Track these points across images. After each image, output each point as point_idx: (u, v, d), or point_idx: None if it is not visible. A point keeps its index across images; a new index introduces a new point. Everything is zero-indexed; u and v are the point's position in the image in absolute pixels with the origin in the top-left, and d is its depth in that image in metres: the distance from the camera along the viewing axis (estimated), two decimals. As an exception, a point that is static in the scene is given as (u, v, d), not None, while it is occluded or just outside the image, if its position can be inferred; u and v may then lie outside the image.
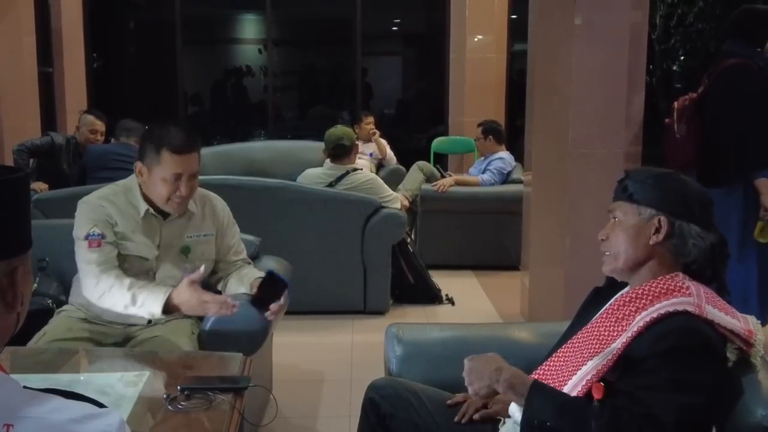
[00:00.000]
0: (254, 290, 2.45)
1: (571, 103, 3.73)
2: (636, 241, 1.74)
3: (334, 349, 3.89)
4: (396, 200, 4.53)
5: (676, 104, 3.78)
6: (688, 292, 1.64)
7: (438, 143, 7.61)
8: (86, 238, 2.44)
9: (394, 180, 5.95)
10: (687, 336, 1.56)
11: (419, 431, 1.95)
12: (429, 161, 7.42)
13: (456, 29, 7.81)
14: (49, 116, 7.36)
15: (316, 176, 4.53)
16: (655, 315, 1.61)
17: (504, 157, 5.70)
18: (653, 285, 1.69)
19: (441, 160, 7.72)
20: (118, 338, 2.50)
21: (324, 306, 4.38)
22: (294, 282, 4.18)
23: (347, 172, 4.49)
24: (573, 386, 1.65)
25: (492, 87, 7.64)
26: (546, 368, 1.78)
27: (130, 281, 2.41)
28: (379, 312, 4.44)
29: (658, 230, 1.72)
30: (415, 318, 4.42)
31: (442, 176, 5.68)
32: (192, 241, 2.57)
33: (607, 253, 1.79)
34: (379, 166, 6.87)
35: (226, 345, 2.37)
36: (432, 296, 4.68)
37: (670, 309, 1.60)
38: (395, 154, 6.95)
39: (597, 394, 1.55)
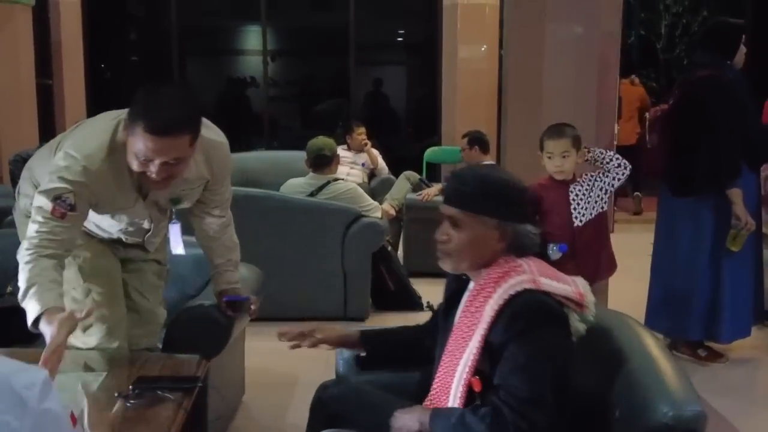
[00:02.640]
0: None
1: (542, 116, 3.81)
2: (482, 247, 1.86)
3: (311, 354, 3.94)
4: (376, 209, 4.63)
5: (647, 115, 3.86)
6: (521, 270, 1.81)
7: (430, 153, 7.71)
8: (55, 200, 2.09)
9: (385, 189, 6.04)
10: (533, 312, 1.73)
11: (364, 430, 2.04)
12: (422, 171, 7.55)
13: (448, 40, 7.92)
14: (48, 127, 7.50)
15: (298, 186, 4.63)
16: (501, 302, 1.77)
17: (488, 166, 5.78)
18: (491, 272, 1.85)
19: (434, 170, 7.82)
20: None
21: (304, 312, 4.44)
22: (275, 289, 4.31)
23: (328, 182, 4.59)
24: (456, 389, 1.78)
25: (484, 97, 7.73)
26: (438, 378, 1.89)
27: (36, 275, 2.04)
28: (359, 318, 4.52)
29: (501, 238, 1.85)
30: (394, 324, 4.48)
31: (427, 186, 5.77)
32: (185, 193, 2.36)
33: (447, 253, 1.88)
34: (371, 175, 6.95)
35: (188, 348, 2.47)
36: (412, 303, 4.76)
37: (512, 292, 1.77)
38: (389, 164, 7.04)
39: (476, 388, 1.72)
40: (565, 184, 3.23)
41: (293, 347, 2.18)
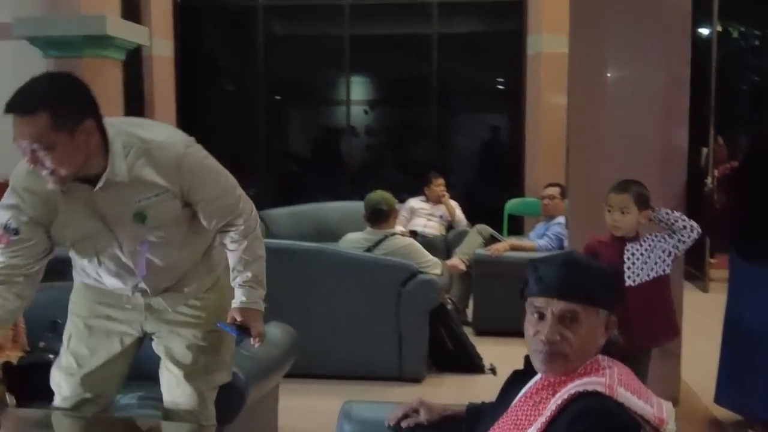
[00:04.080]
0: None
1: (603, 169, 3.57)
2: (593, 343, 1.63)
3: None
4: (435, 266, 4.46)
5: (716, 172, 3.56)
6: (601, 373, 1.58)
7: (512, 205, 7.48)
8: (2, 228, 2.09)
9: (461, 242, 5.88)
10: (598, 418, 1.50)
11: None
12: (502, 223, 7.33)
13: (532, 89, 7.74)
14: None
15: (354, 241, 4.54)
16: (566, 396, 1.55)
17: (563, 222, 5.51)
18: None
19: (515, 222, 7.58)
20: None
21: (356, 371, 4.32)
22: (327, 345, 4.22)
23: (385, 237, 4.48)
24: None
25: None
26: None
27: None
28: (415, 379, 4.33)
29: (605, 333, 1.64)
30: (451, 387, 4.30)
31: (498, 241, 5.56)
32: (144, 205, 2.12)
33: (563, 355, 1.61)
34: (449, 228, 6.82)
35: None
36: (473, 365, 4.53)
37: (581, 389, 1.55)
38: (468, 215, 6.88)
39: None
40: (623, 241, 3.06)
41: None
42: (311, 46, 9.26)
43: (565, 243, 5.26)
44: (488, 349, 4.68)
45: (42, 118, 1.91)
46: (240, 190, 2.28)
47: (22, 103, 1.92)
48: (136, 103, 7.99)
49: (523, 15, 7.99)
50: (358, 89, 9.67)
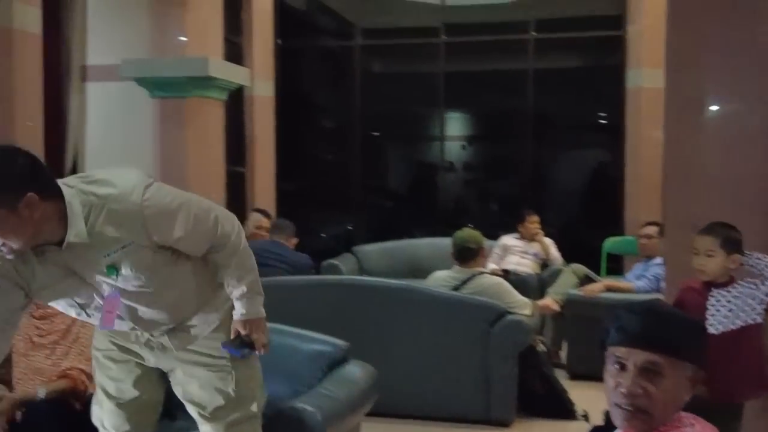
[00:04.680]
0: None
1: (697, 208, 3.40)
2: (678, 399, 1.53)
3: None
4: (524, 306, 4.35)
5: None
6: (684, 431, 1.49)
7: (611, 243, 7.25)
8: None
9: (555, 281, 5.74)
10: None
11: None
12: (600, 262, 7.10)
13: (632, 123, 7.53)
14: (239, 212, 7.93)
15: (442, 279, 4.49)
16: None
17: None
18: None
19: (614, 261, 7.33)
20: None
21: (442, 413, 4.25)
22: (410, 384, 4.17)
23: (473, 276, 4.41)
24: None
25: (671, 185, 7.18)
26: None
27: None
28: (503, 424, 4.23)
29: (691, 389, 1.54)
30: (540, 433, 4.16)
31: (593, 281, 5.38)
32: (113, 259, 2.10)
33: (644, 410, 1.51)
34: (543, 266, 6.67)
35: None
36: (564, 411, 4.37)
37: None
38: (564, 254, 6.72)
39: None
40: (711, 286, 2.91)
41: None
42: (407, 83, 9.34)
43: (662, 285, 5.05)
44: (581, 394, 4.51)
45: None
46: (216, 211, 2.24)
47: None
48: (237, 142, 8.24)
49: (623, 49, 7.81)
50: (455, 125, 9.67)
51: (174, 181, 6.75)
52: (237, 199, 8.05)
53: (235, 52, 8.16)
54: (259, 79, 8.25)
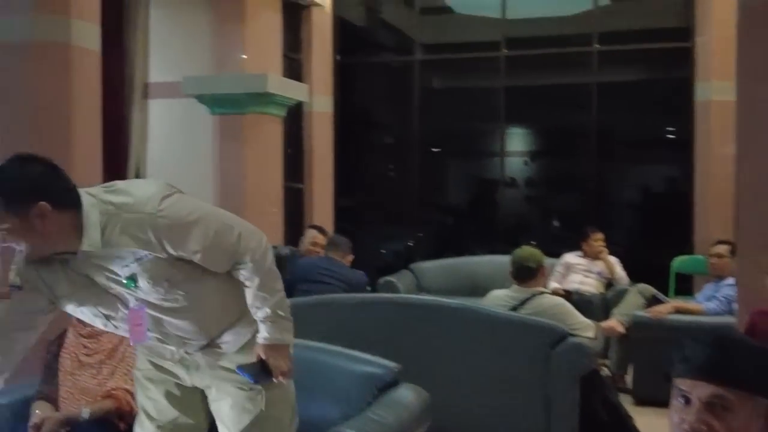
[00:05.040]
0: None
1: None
2: None
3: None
4: (587, 329, 4.16)
5: None
6: None
7: (680, 262, 6.96)
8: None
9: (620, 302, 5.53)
10: None
11: None
12: (668, 282, 6.83)
13: (701, 138, 7.25)
14: (296, 228, 7.91)
15: (499, 298, 4.33)
16: None
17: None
18: None
19: (684, 282, 7.05)
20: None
21: (499, 438, 4.08)
22: (464, 408, 4.02)
23: (532, 296, 4.23)
24: None
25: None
26: None
27: None
28: (564, 451, 4.02)
29: (765, 427, 1.40)
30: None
31: (661, 302, 5.15)
32: (131, 270, 2.09)
33: None
34: (608, 285, 6.46)
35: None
36: (629, 438, 4.15)
37: None
38: (630, 273, 6.48)
39: None
40: None
41: None
42: (467, 98, 9.22)
43: (734, 307, 4.79)
44: (648, 421, 4.29)
45: None
46: (240, 227, 2.17)
47: None
48: (296, 157, 8.25)
49: (691, 62, 7.54)
50: (516, 140, 9.50)
51: (232, 197, 6.89)
52: (295, 215, 8.04)
53: (294, 69, 8.19)
54: (318, 95, 8.25)
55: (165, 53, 7.61)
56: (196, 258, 2.12)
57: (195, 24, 7.40)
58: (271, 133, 7.15)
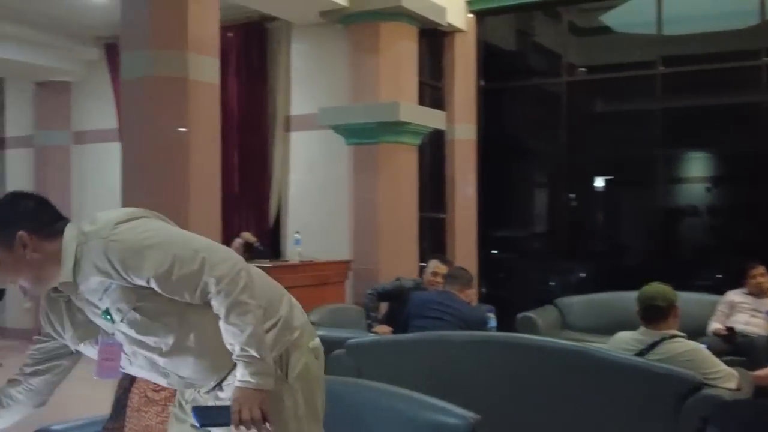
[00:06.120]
0: None
1: None
2: None
3: None
4: (728, 378, 3.59)
5: None
6: None
7: None
8: None
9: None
10: None
11: None
12: None
13: None
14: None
15: (624, 341, 3.85)
16: None
17: None
18: None
19: None
20: None
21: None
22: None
23: (662, 339, 3.71)
24: None
25: None
26: None
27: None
28: None
29: None
30: None
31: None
32: (105, 303, 2.01)
33: None
34: (779, 326, 5.70)
35: None
36: None
37: None
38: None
39: None
40: None
41: None
42: (619, 121, 8.59)
43: None
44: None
45: None
46: (208, 253, 1.96)
47: None
48: (438, 186, 8.04)
49: None
50: (686, 166, 8.75)
51: (366, 226, 6.79)
52: (437, 246, 7.80)
53: (436, 97, 8.03)
54: (460, 123, 8.03)
55: (306, 86, 7.72)
56: (154, 285, 1.95)
57: (333, 56, 7.45)
58: (405, 162, 7.00)
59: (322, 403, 2.18)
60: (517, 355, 3.86)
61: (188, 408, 2.17)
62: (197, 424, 2.00)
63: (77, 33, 8.28)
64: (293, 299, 2.20)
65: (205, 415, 2.00)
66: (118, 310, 1.98)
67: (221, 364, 2.04)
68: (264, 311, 2.03)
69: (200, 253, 1.96)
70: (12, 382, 2.18)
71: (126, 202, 4.87)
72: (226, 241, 7.00)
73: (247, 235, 6.95)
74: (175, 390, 2.65)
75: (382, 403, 2.73)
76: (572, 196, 8.50)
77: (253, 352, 1.94)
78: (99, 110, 8.90)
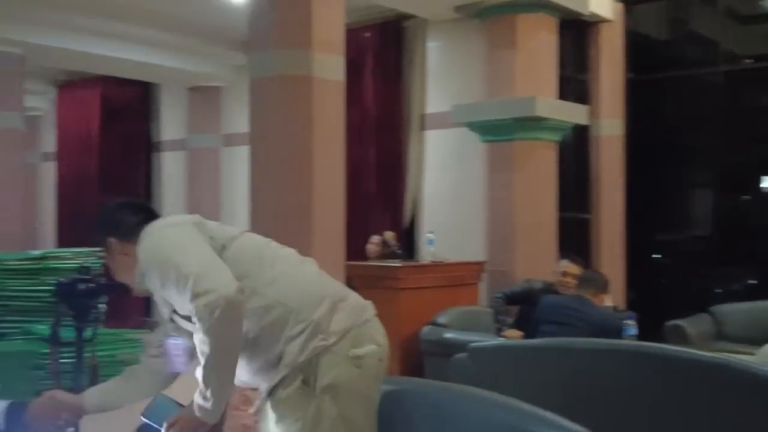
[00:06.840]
0: None
1: None
2: None
3: None
4: None
5: None
6: None
7: None
8: None
9: None
10: None
11: None
12: None
13: None
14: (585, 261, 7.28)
15: (771, 355, 3.43)
16: None
17: None
18: None
19: None
20: None
21: None
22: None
23: (819, 354, 3.28)
24: None
25: None
26: None
27: None
28: None
29: None
30: None
31: None
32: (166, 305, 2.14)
33: None
34: None
35: None
36: None
37: None
38: None
39: None
40: None
41: None
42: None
43: None
44: None
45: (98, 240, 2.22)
46: (188, 269, 1.89)
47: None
48: (582, 185, 7.66)
49: None
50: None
51: (501, 226, 6.56)
52: (582, 248, 7.41)
53: (581, 91, 7.65)
54: (605, 118, 7.60)
55: (441, 84, 7.59)
56: (166, 296, 2.04)
57: (468, 52, 7.28)
58: (543, 160, 6.70)
59: (368, 419, 2.05)
60: (646, 366, 3.52)
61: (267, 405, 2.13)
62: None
63: (226, 39, 8.59)
64: (348, 302, 2.10)
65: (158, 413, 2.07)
66: (156, 292, 2.07)
67: (254, 367, 2.07)
68: (295, 315, 2.00)
69: (189, 278, 1.90)
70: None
71: (254, 201, 4.94)
72: (363, 239, 7.01)
73: (390, 235, 6.96)
74: None
75: (472, 411, 2.53)
76: (736, 196, 7.84)
77: (208, 393, 1.91)
78: (246, 113, 9.17)
